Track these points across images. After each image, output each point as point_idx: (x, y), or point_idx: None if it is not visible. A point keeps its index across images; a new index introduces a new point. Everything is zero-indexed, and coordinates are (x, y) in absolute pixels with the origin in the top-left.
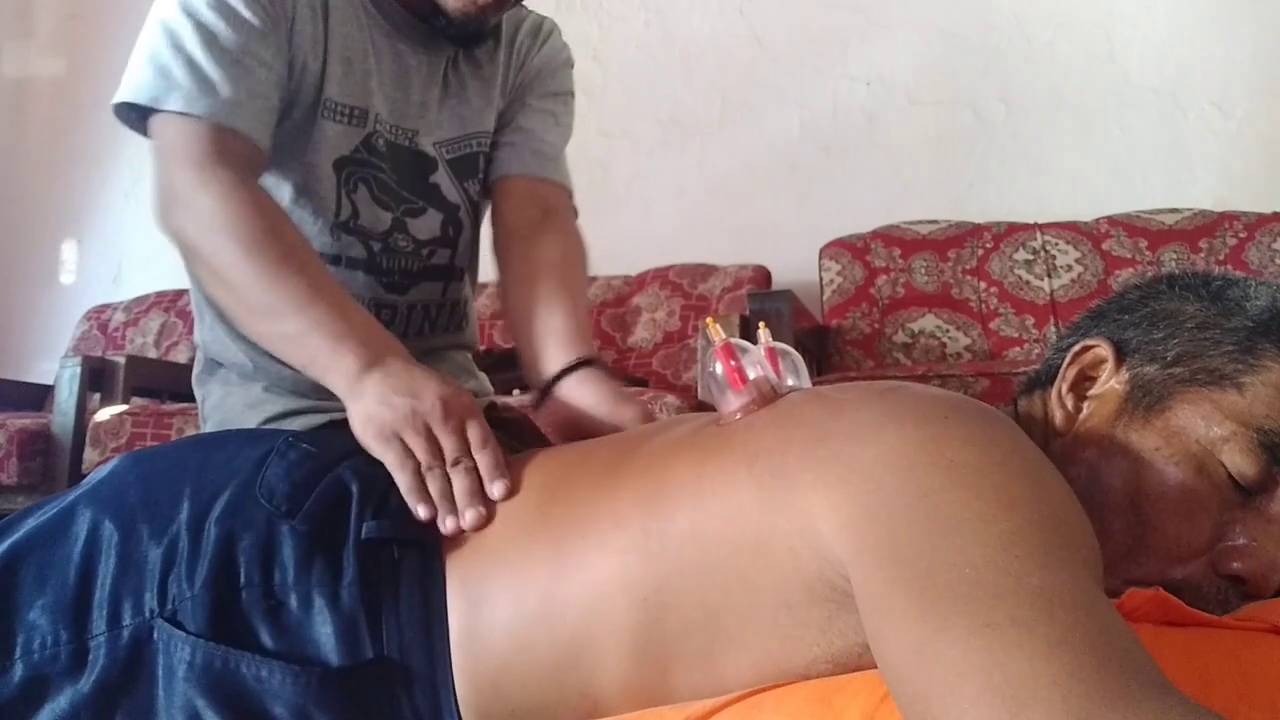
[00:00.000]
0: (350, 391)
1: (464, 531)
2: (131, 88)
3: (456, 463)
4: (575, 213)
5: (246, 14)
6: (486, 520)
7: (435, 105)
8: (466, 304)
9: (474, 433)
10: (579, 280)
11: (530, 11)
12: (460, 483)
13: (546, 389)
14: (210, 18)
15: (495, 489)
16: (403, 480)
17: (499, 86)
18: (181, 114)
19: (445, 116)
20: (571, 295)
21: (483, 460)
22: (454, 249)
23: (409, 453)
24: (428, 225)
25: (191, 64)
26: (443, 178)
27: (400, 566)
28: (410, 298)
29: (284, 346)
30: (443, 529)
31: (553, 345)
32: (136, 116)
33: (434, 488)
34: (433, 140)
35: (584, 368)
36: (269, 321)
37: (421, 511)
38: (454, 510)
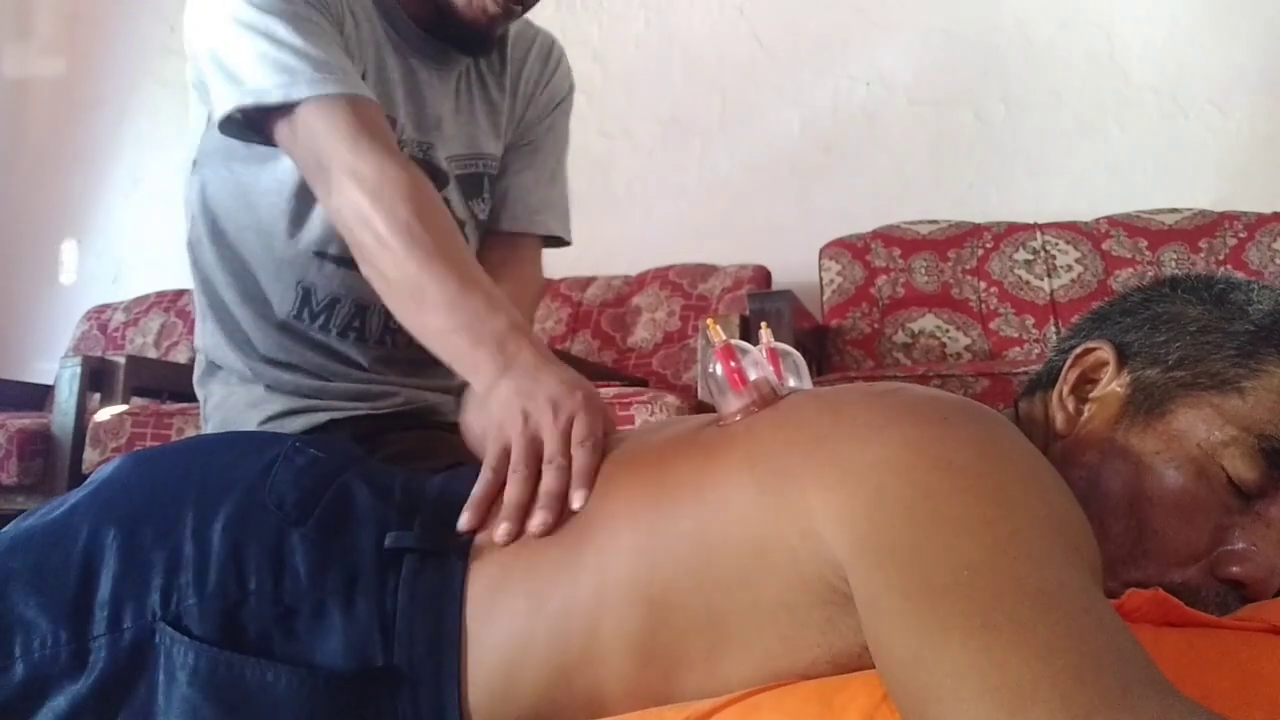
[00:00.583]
0: (486, 397)
1: (517, 537)
2: (251, 91)
3: (551, 460)
4: (567, 242)
5: (304, 9)
6: (550, 531)
7: (448, 120)
8: None
9: (579, 427)
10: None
11: (537, 29)
12: (547, 483)
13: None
14: (290, 8)
15: (576, 498)
16: (479, 485)
17: (505, 113)
18: (313, 99)
19: (456, 133)
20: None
21: (578, 458)
22: None
23: (502, 457)
24: None
25: (298, 51)
26: (452, 193)
27: (419, 576)
28: None
29: (429, 340)
30: (496, 535)
31: None
32: (242, 124)
33: (512, 490)
34: (446, 155)
35: None
36: (417, 314)
37: (464, 520)
38: (519, 520)
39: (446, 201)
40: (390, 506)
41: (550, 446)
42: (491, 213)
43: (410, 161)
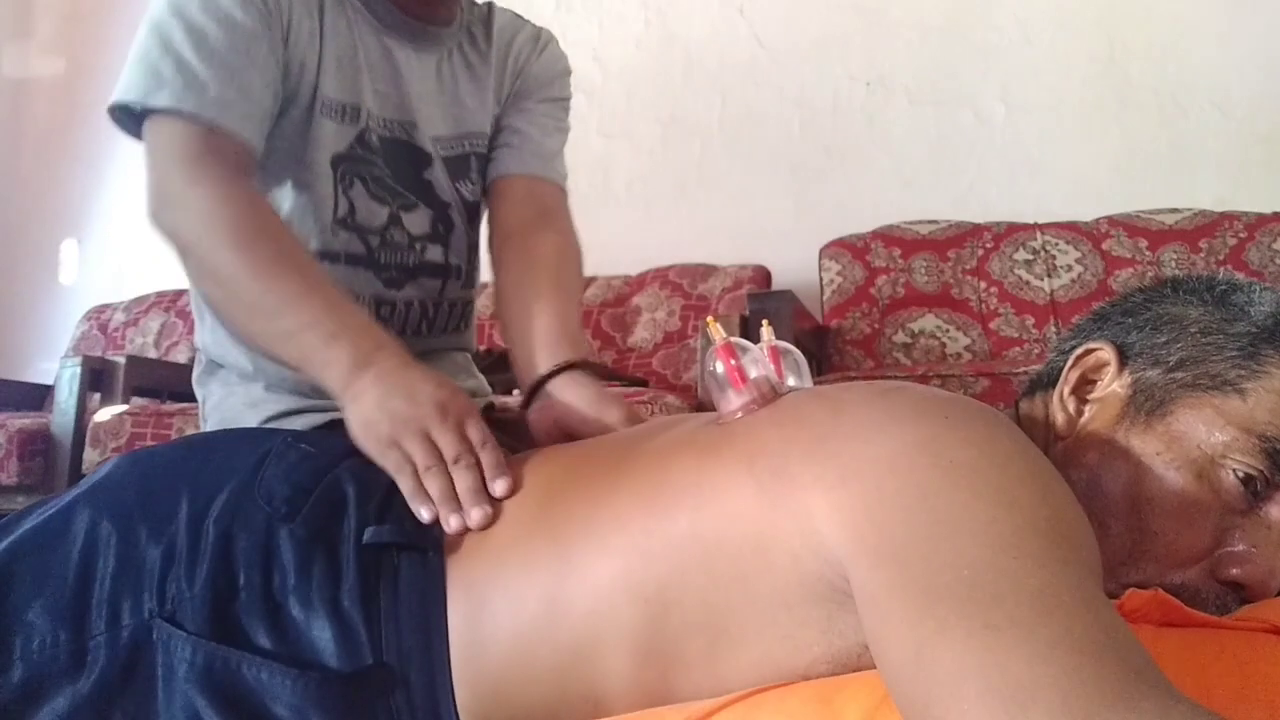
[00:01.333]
0: (345, 391)
1: (468, 531)
2: (121, 88)
3: (457, 461)
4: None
5: (239, 14)
6: (492, 519)
7: (430, 100)
8: (467, 307)
9: (473, 432)
10: (572, 280)
11: (525, 21)
12: (462, 481)
13: (533, 391)
14: (201, 19)
15: (498, 486)
16: (404, 485)
17: (493, 90)
18: (171, 112)
19: (440, 113)
20: (564, 296)
21: (484, 459)
22: (445, 246)
23: (408, 457)
24: (419, 221)
25: (180, 62)
26: (436, 175)
27: (400, 572)
28: (407, 294)
29: (277, 344)
30: (446, 528)
31: (542, 347)
32: (131, 121)
33: (433, 488)
34: (430, 135)
35: (571, 370)
36: (262, 320)
37: (424, 514)
38: (457, 509)
39: (430, 183)
40: (374, 503)
41: (451, 448)
42: (500, 160)
43: (251, 186)
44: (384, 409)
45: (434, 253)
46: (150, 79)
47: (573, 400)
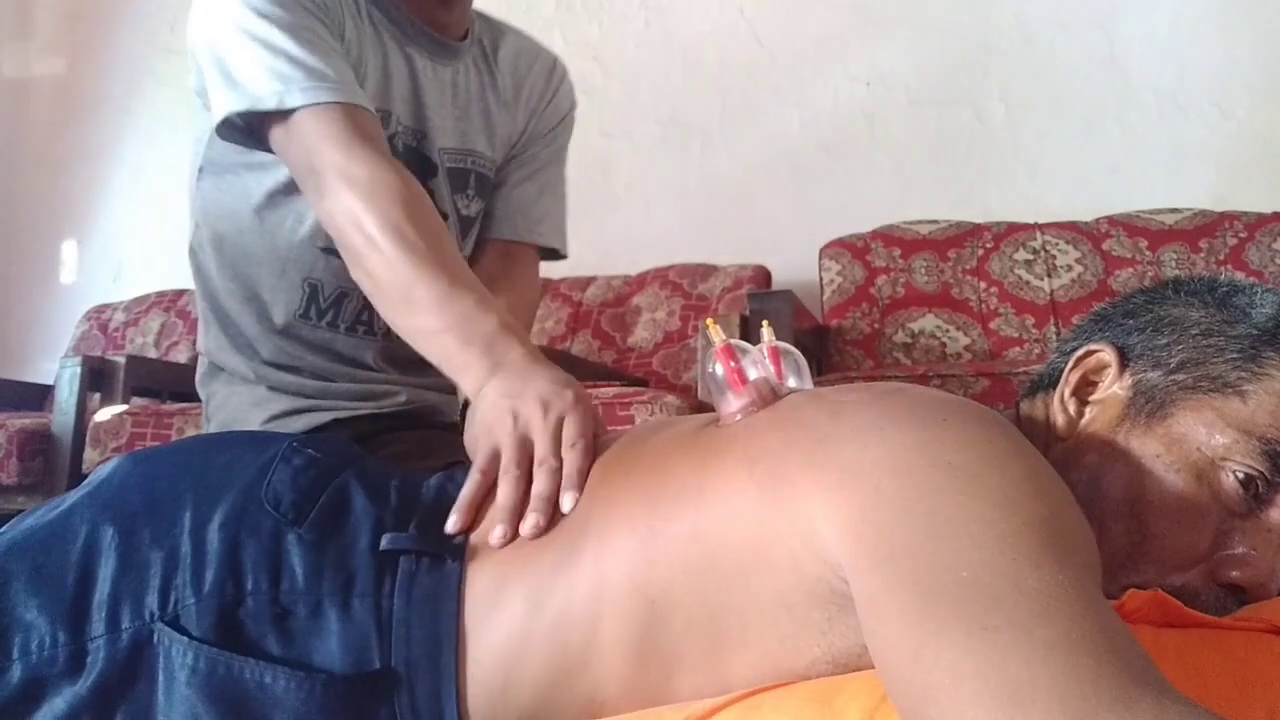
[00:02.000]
0: (475, 397)
1: (510, 540)
2: (247, 98)
3: (542, 462)
4: (563, 255)
5: (312, 11)
6: (542, 532)
7: (442, 113)
8: None
9: (569, 429)
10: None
11: (539, 47)
12: (539, 485)
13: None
14: (287, 16)
15: (566, 500)
16: (467, 487)
17: (503, 122)
18: (308, 106)
19: (450, 126)
20: None
21: (567, 461)
22: None
23: (492, 459)
24: None
25: (293, 59)
26: (439, 185)
27: (415, 578)
28: None
29: (419, 341)
30: (491, 539)
31: None
32: (240, 130)
33: (504, 492)
34: (438, 146)
35: None
36: (407, 316)
37: (452, 523)
38: (514, 520)
39: (433, 192)
40: (386, 507)
41: (541, 448)
42: (492, 222)
43: (403, 167)
44: (496, 406)
45: None
46: (271, 81)
47: None
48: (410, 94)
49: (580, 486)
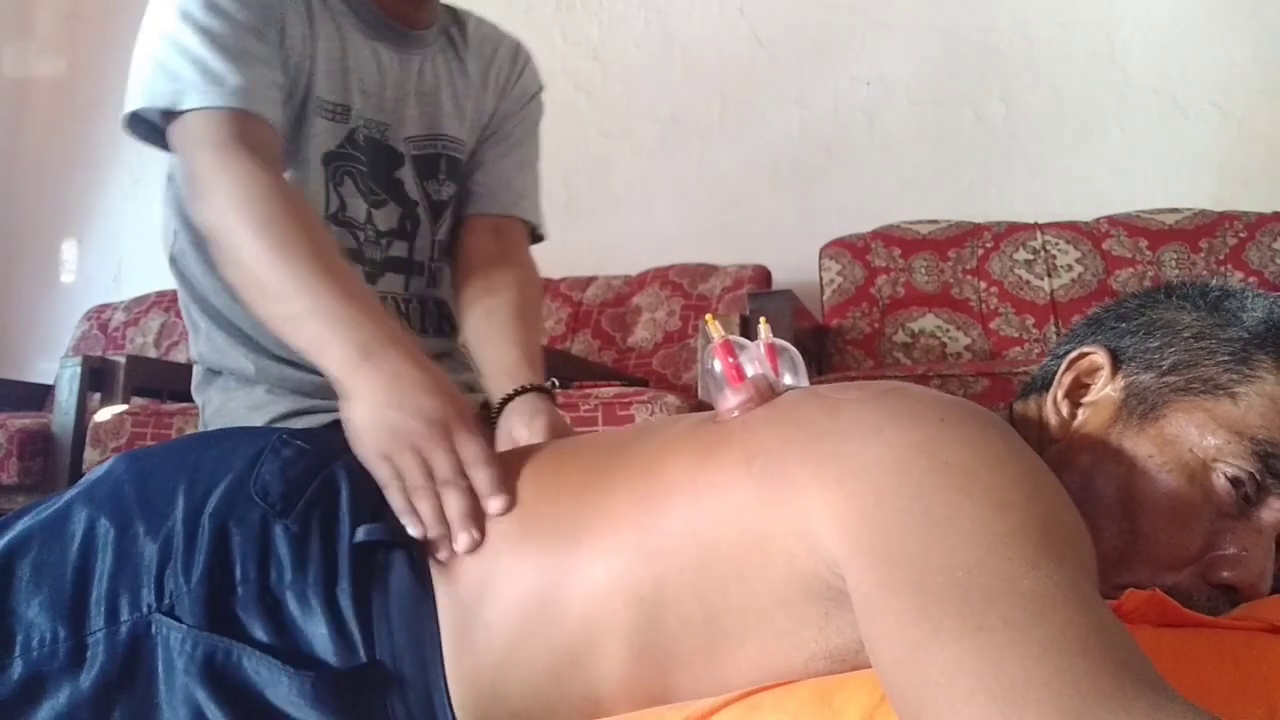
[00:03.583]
0: (343, 383)
1: (453, 554)
2: (144, 95)
3: (446, 483)
4: (542, 237)
5: (241, 13)
6: (479, 544)
7: (408, 102)
8: (441, 307)
9: (467, 450)
10: (530, 312)
11: (502, 34)
12: (452, 505)
13: (492, 418)
14: (206, 19)
15: (493, 505)
16: (393, 501)
17: (473, 103)
18: (197, 109)
19: (416, 114)
20: (522, 327)
21: (477, 479)
22: (410, 242)
23: (397, 473)
24: (387, 217)
25: (197, 62)
26: (406, 174)
27: (391, 570)
28: (379, 288)
29: (286, 329)
30: (434, 551)
31: (497, 376)
32: (145, 128)
33: (423, 509)
34: (403, 136)
35: (520, 396)
36: (274, 303)
37: (414, 531)
38: (445, 533)
39: (400, 182)
40: (369, 499)
41: (441, 470)
42: (474, 199)
43: (279, 172)
44: (377, 418)
45: (399, 248)
46: (170, 82)
47: (512, 427)
48: (375, 86)
49: (501, 492)
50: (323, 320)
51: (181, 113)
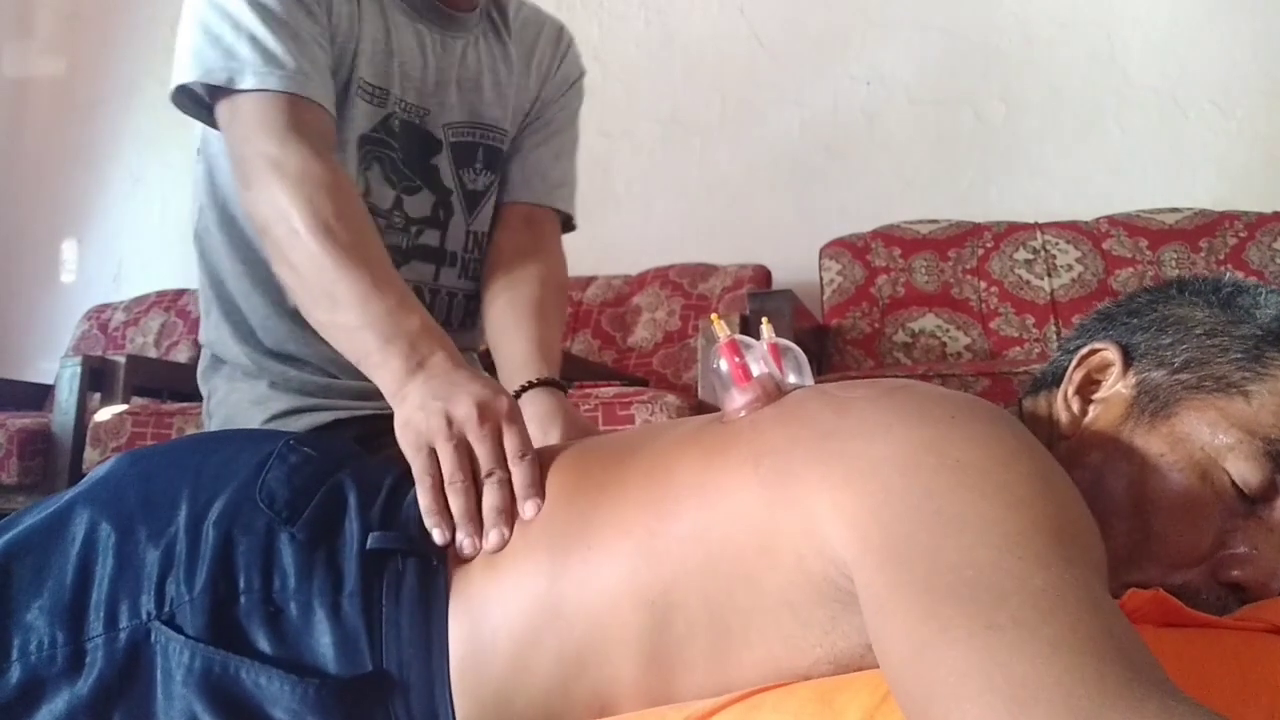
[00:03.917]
0: (395, 396)
1: (478, 551)
2: (196, 68)
3: (490, 474)
4: (574, 226)
5: None
6: (507, 543)
7: (449, 89)
8: (469, 302)
9: (511, 441)
10: (551, 305)
11: (545, 16)
12: (491, 498)
13: None
14: None
15: (527, 509)
16: (423, 497)
17: (515, 91)
18: (255, 90)
19: (456, 101)
20: (542, 321)
21: (518, 473)
22: (443, 231)
23: (435, 465)
24: (420, 204)
25: (254, 40)
26: (443, 160)
27: (403, 579)
28: (404, 276)
29: (339, 338)
30: (460, 550)
31: (513, 369)
32: (193, 102)
33: (455, 504)
34: (442, 122)
35: (532, 390)
36: (328, 311)
37: (437, 536)
38: (476, 531)
39: (436, 169)
40: (377, 507)
41: (485, 458)
42: (510, 187)
43: (337, 164)
44: (423, 409)
45: (430, 237)
46: (226, 59)
47: (531, 419)
48: (417, 70)
49: (540, 494)
50: (375, 335)
51: (234, 92)
